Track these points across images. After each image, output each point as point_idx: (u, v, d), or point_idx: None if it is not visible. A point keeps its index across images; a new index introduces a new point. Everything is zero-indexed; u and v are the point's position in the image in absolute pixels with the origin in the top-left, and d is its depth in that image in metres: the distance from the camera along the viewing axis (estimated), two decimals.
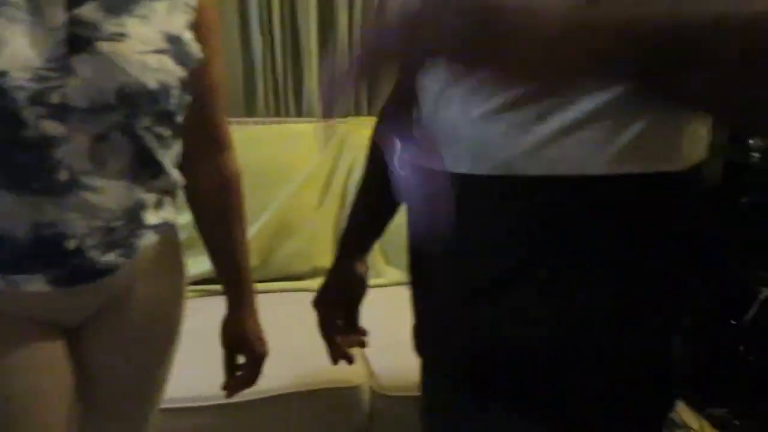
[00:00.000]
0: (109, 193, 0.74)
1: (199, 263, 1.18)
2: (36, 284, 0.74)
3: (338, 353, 0.94)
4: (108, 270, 0.78)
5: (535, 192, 0.57)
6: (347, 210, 1.85)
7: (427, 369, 0.83)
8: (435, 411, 0.83)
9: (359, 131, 1.92)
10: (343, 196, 1.89)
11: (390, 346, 1.06)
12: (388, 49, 0.42)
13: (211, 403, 1.28)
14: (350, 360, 0.95)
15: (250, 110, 2.03)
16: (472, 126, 0.59)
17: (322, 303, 0.94)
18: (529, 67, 0.40)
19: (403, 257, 1.88)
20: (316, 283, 1.87)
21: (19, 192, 0.69)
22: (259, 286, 1.75)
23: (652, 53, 0.39)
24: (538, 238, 0.59)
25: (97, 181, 0.73)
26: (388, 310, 1.04)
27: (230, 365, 1.00)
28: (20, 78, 0.66)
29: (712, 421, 1.76)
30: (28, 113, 0.67)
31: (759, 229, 1.73)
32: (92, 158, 0.72)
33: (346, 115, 2.02)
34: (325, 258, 1.86)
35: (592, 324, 0.60)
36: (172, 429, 1.26)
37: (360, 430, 1.42)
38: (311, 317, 0.94)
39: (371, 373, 1.43)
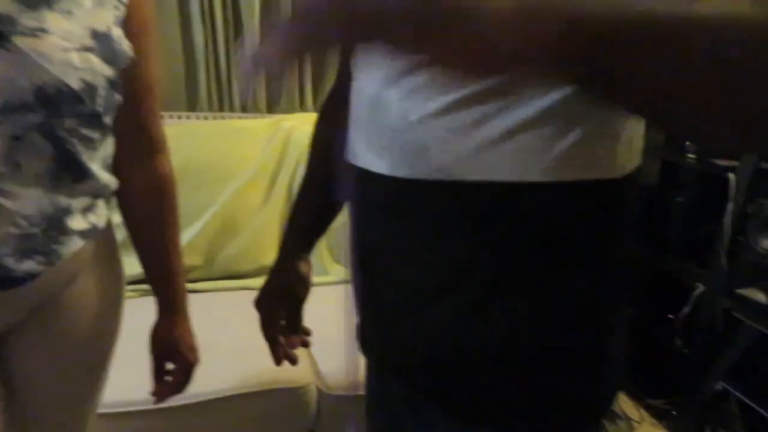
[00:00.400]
0: (26, 198, 0.69)
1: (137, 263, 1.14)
2: None
3: (281, 354, 0.91)
4: (27, 277, 0.73)
5: (472, 197, 0.57)
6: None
7: (370, 368, 0.82)
8: (377, 411, 0.82)
9: (304, 127, 1.90)
10: (289, 193, 1.85)
11: (337, 344, 1.03)
12: (323, 31, 0.39)
13: (153, 407, 1.23)
14: (293, 361, 0.92)
15: (191, 105, 1.97)
16: (410, 130, 0.58)
17: (265, 303, 0.91)
18: (472, 55, 0.39)
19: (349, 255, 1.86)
20: (261, 281, 1.84)
21: None
22: (203, 285, 1.73)
23: (596, 46, 0.38)
24: (476, 243, 0.58)
25: (11, 186, 0.68)
26: (335, 308, 1.01)
27: (159, 371, 0.95)
28: None
29: (651, 411, 1.82)
30: None
31: (694, 227, 1.79)
32: (7, 161, 0.67)
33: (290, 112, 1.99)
34: (271, 256, 1.81)
35: (531, 326, 0.60)
36: None
37: (307, 430, 1.40)
38: (256, 317, 0.91)
39: (317, 373, 1.41)
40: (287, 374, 1.33)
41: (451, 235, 0.59)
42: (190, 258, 1.69)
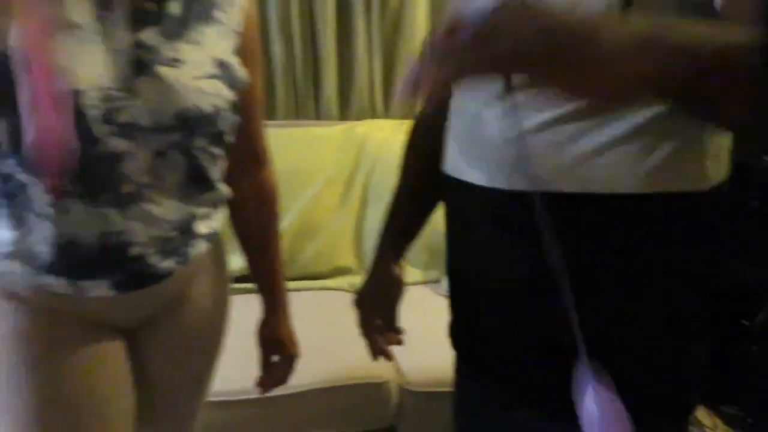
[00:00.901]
0: (167, 205, 0.79)
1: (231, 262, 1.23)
2: (101, 289, 0.78)
3: (377, 350, 0.98)
4: (166, 275, 0.82)
5: (566, 208, 0.62)
6: (370, 213, 1.90)
7: (460, 366, 0.88)
8: (466, 409, 0.87)
9: (376, 134, 1.97)
10: (363, 197, 1.93)
11: (416, 343, 1.10)
12: (460, 57, 0.44)
13: (242, 397, 1.33)
14: (389, 357, 0.99)
15: (270, 113, 2.07)
16: (508, 145, 0.64)
17: (362, 304, 0.98)
18: (593, 83, 0.45)
19: (422, 257, 1.92)
20: (338, 281, 1.90)
21: (89, 202, 0.73)
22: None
23: (693, 74, 0.44)
24: (568, 250, 0.63)
25: (156, 195, 0.77)
26: (410, 309, 1.08)
27: (265, 364, 1.04)
28: (93, 97, 0.69)
29: (725, 418, 1.80)
30: (100, 130, 0.71)
31: None
32: (153, 173, 0.76)
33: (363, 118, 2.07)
34: (346, 258, 1.91)
35: (618, 329, 0.65)
36: (203, 423, 1.31)
37: (387, 426, 1.47)
38: (334, 315, 0.99)
39: (398, 370, 1.47)
40: (368, 370, 1.40)
41: (544, 241, 0.64)
42: None
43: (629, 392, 0.64)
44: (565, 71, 0.44)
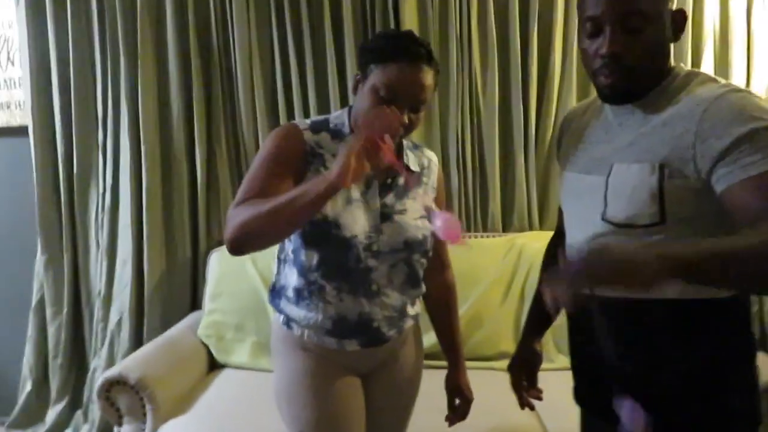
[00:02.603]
0: (394, 298, 1.34)
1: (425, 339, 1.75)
2: (353, 345, 1.34)
3: (524, 402, 1.42)
4: (389, 339, 1.37)
5: (654, 310, 1.03)
6: (526, 308, 2.31)
7: (583, 417, 1.29)
8: None
9: (533, 244, 2.40)
10: (522, 295, 2.35)
11: (559, 413, 1.51)
12: (576, 280, 0.88)
13: None
14: (531, 407, 1.42)
15: None
16: None
17: (513, 368, 1.43)
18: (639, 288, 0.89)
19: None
20: (501, 364, 2.34)
21: (354, 295, 1.30)
22: None
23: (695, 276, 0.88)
24: (659, 338, 1.06)
25: (389, 291, 1.33)
26: (559, 389, 1.48)
27: (451, 404, 1.53)
28: (361, 238, 1.28)
29: None
30: (363, 256, 1.28)
31: None
32: (388, 278, 1.32)
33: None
34: (508, 344, 2.32)
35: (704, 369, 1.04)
36: None
37: None
38: (497, 390, 1.43)
39: (545, 429, 1.87)
40: (519, 427, 1.81)
41: (640, 331, 1.07)
42: None
43: (713, 414, 1.03)
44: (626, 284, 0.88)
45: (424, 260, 1.39)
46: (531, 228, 2.59)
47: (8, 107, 2.74)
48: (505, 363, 2.27)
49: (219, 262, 2.45)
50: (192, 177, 2.61)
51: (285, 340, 1.38)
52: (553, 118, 2.51)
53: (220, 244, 2.58)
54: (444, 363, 1.55)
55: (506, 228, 2.61)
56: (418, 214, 1.35)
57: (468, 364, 2.21)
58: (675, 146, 0.98)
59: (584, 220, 1.11)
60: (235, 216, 1.16)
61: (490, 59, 2.48)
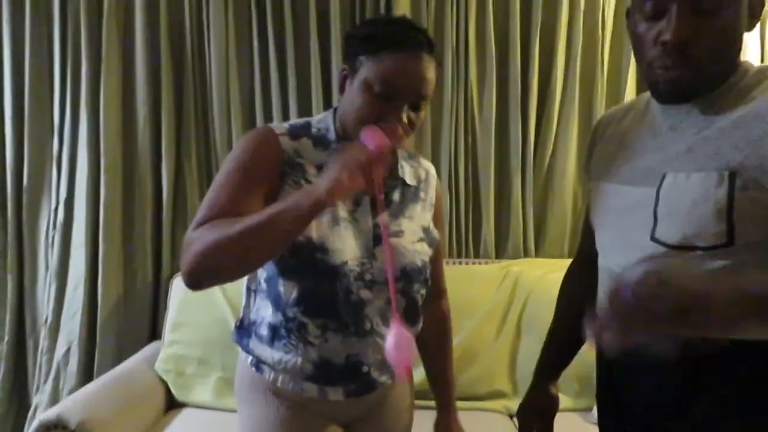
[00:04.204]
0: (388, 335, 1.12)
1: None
2: (337, 394, 1.11)
3: None
4: (378, 386, 1.14)
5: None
6: (523, 342, 2.11)
7: None
8: None
9: (531, 271, 2.22)
10: (518, 328, 2.15)
11: None
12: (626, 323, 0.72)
13: None
14: None
15: None
16: None
17: (523, 415, 1.22)
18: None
19: (573, 386, 2.10)
20: (494, 404, 2.11)
21: (342, 335, 1.07)
22: None
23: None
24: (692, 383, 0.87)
25: (383, 330, 1.08)
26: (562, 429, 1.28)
27: None
28: (353, 265, 1.05)
29: None
30: (354, 286, 1.06)
31: None
32: (382, 315, 1.09)
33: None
34: (502, 382, 2.11)
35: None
36: None
37: None
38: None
39: None
40: None
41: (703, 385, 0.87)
42: None
43: None
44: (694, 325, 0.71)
45: (423, 291, 1.17)
46: (526, 255, 2.43)
47: None
48: (498, 403, 2.12)
49: (182, 288, 2.19)
50: (157, 192, 2.38)
51: (253, 385, 1.15)
52: (552, 140, 2.37)
53: None
54: (432, 403, 1.34)
55: (499, 254, 2.45)
56: (417, 236, 1.13)
57: (459, 404, 2.03)
58: (751, 151, 0.80)
59: (627, 241, 0.92)
60: (195, 241, 0.92)
61: (487, 73, 2.33)
